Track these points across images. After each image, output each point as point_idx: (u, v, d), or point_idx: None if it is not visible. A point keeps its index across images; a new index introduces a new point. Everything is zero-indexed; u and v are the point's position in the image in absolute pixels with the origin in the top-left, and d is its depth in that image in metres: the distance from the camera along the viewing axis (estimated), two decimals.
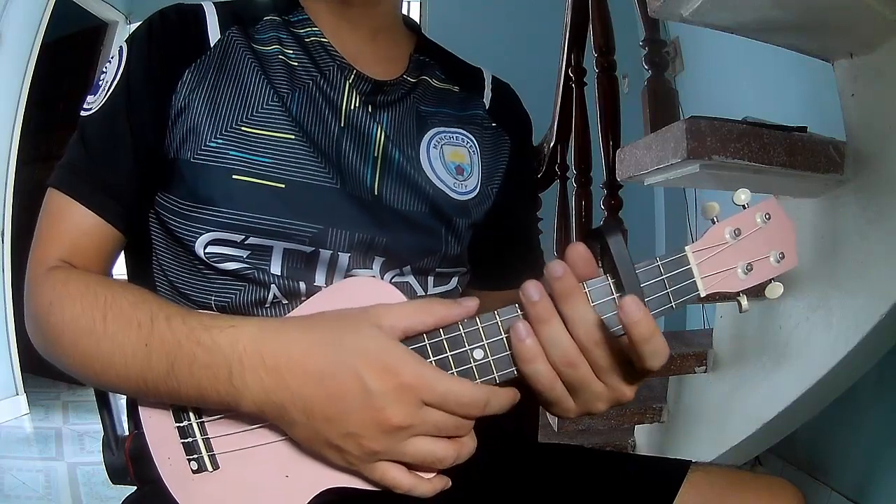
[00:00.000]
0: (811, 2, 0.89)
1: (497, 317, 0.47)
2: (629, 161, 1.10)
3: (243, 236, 0.56)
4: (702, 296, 0.47)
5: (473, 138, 0.70)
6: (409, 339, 0.48)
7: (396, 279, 0.62)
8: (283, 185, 0.57)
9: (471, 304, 0.48)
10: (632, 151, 1.09)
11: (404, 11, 0.73)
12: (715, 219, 0.48)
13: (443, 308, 0.48)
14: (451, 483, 0.49)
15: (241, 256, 0.56)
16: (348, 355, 0.45)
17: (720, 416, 1.30)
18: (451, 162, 0.67)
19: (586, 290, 0.46)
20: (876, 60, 0.97)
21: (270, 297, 0.56)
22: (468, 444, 0.48)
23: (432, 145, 0.66)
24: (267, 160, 0.57)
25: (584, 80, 1.72)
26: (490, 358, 0.47)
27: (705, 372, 1.33)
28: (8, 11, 2.62)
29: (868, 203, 0.98)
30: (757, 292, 0.49)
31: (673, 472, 0.61)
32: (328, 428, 0.46)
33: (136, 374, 0.49)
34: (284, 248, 0.57)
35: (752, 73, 2.05)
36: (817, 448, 1.60)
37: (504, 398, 0.47)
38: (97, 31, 3.54)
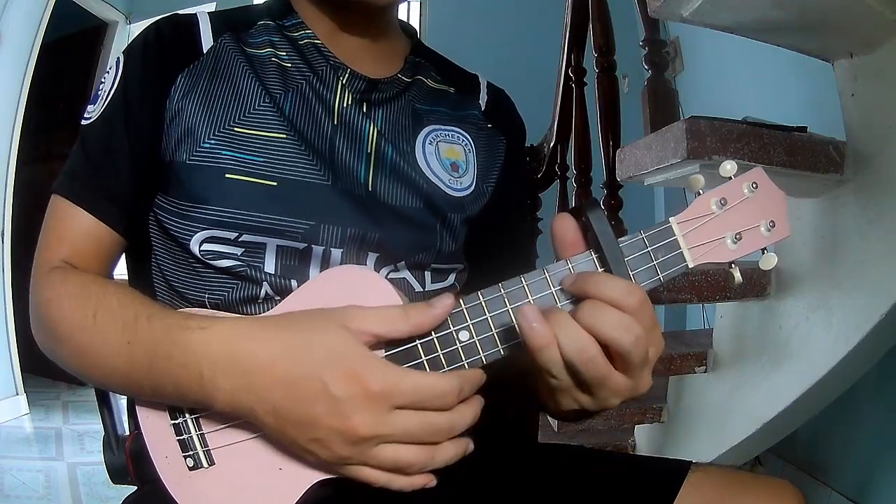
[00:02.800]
0: (811, 2, 0.89)
1: (480, 297, 0.47)
2: (629, 161, 1.10)
3: (237, 234, 0.57)
4: (690, 266, 0.47)
5: (469, 137, 0.70)
6: None
7: (392, 275, 0.62)
8: (275, 183, 0.57)
9: (446, 301, 0.47)
10: (632, 151, 1.09)
11: (403, 11, 0.73)
12: (700, 191, 0.48)
13: (420, 315, 0.46)
14: (434, 480, 0.48)
15: (236, 254, 0.57)
16: (313, 360, 0.45)
17: (720, 416, 1.30)
18: (447, 159, 0.67)
19: (570, 265, 0.46)
20: (876, 60, 0.97)
21: (262, 293, 0.57)
22: (448, 449, 0.47)
23: (428, 142, 0.66)
24: (259, 159, 0.58)
25: (584, 80, 1.72)
26: (475, 338, 0.47)
27: (705, 372, 1.33)
28: (8, 11, 2.62)
29: (868, 203, 0.98)
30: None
31: (673, 472, 0.61)
32: (297, 432, 0.46)
33: (123, 371, 0.50)
34: (277, 245, 0.57)
35: (752, 73, 2.04)
36: (817, 448, 1.60)
37: (475, 379, 0.47)
38: (97, 31, 3.54)
